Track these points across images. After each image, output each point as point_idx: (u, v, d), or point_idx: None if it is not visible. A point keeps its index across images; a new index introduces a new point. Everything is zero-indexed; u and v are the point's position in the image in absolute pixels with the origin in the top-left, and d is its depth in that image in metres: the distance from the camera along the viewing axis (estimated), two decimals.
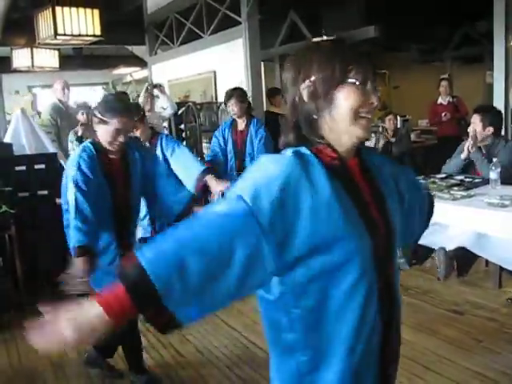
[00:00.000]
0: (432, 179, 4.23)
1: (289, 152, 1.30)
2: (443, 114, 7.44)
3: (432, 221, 4.22)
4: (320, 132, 1.34)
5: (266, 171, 1.25)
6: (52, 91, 6.63)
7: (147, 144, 4.26)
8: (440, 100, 7.68)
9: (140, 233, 3.87)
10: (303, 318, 1.31)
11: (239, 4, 6.41)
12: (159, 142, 4.30)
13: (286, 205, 1.20)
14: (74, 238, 2.85)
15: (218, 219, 1.21)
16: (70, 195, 2.91)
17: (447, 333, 3.69)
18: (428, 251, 4.13)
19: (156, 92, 6.28)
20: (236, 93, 4.73)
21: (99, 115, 2.92)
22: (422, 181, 4.23)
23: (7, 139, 5.29)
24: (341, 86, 1.29)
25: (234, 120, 4.86)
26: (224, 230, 1.19)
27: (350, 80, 1.29)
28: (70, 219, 2.89)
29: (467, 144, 4.32)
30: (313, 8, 8.56)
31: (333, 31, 8.08)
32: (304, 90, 1.33)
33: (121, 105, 2.97)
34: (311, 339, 1.32)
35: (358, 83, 1.29)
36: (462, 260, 4.00)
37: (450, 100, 7.62)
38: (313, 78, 1.31)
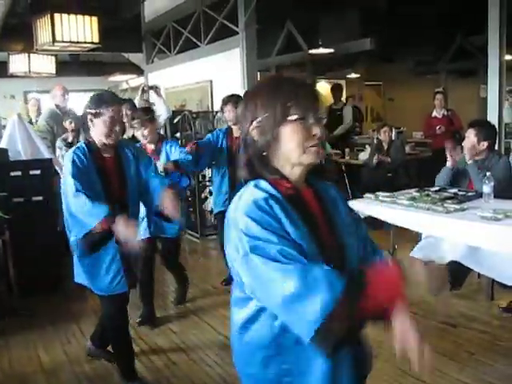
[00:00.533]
0: (426, 192, 4.26)
1: (251, 187, 1.43)
2: (438, 127, 7.48)
3: (425, 234, 4.26)
4: (272, 165, 1.45)
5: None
6: (51, 96, 6.59)
7: (152, 146, 4.35)
8: (435, 113, 7.73)
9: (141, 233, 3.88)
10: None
11: (237, 14, 6.46)
12: (164, 147, 4.40)
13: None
14: (95, 214, 2.85)
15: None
16: (68, 187, 2.93)
17: (439, 345, 3.70)
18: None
19: (152, 96, 6.29)
20: (232, 99, 4.77)
21: (93, 110, 3.02)
22: (415, 193, 4.27)
23: (3, 144, 5.28)
24: (283, 124, 1.39)
25: (229, 127, 4.90)
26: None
27: (290, 118, 1.39)
28: (81, 208, 2.89)
29: (449, 153, 4.40)
30: (309, 19, 8.63)
31: (329, 42, 8.16)
32: (253, 129, 1.44)
33: (112, 96, 3.17)
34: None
35: (298, 120, 1.39)
36: (456, 274, 4.04)
37: (445, 113, 7.67)
38: (259, 119, 1.42)
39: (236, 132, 4.86)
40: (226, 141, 4.83)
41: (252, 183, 1.45)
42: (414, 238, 4.53)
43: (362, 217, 4.52)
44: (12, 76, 8.84)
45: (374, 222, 4.87)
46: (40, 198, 4.79)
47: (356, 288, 1.27)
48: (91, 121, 3.05)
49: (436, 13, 8.31)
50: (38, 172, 4.87)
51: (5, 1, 4.71)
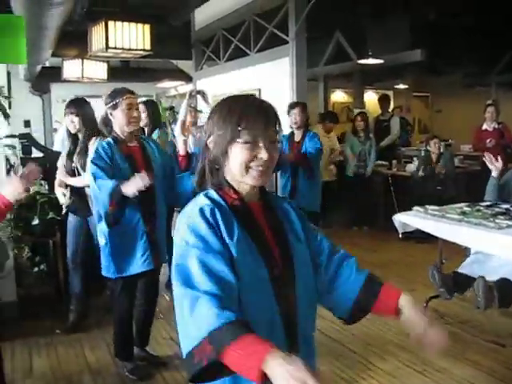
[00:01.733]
0: (477, 207, 4.17)
1: (201, 195, 1.53)
2: (488, 141, 7.32)
3: (475, 249, 4.17)
4: (222, 177, 1.55)
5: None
6: (103, 102, 6.74)
7: None
8: (485, 126, 7.56)
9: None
10: None
11: (287, 23, 6.47)
12: None
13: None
14: (109, 184, 3.14)
15: None
16: (88, 176, 3.28)
17: (487, 364, 3.62)
18: (469, 281, 4.07)
19: (199, 101, 6.37)
20: (301, 104, 5.10)
21: (110, 102, 3.33)
22: (466, 208, 4.19)
23: (56, 148, 5.42)
24: (232, 144, 1.48)
25: (292, 133, 5.10)
26: None
27: (238, 140, 1.47)
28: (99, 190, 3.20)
29: (489, 163, 4.33)
30: (359, 29, 8.59)
31: (378, 53, 8.11)
32: (210, 143, 1.54)
33: (123, 88, 3.46)
34: None
35: (246, 143, 1.47)
36: (505, 291, 3.93)
37: (496, 126, 7.50)
38: (215, 134, 1.52)
39: (297, 136, 5.00)
40: (289, 145, 4.96)
41: (203, 192, 1.55)
42: (462, 251, 4.44)
43: (410, 230, 4.48)
44: (64, 81, 9.09)
45: (422, 236, 4.81)
46: None
47: (223, 340, 1.23)
48: (111, 114, 3.35)
49: (486, 25, 8.17)
50: None
51: (65, 9, 4.84)
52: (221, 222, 1.45)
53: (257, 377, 1.16)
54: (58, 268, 4.87)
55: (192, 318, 1.29)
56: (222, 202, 1.51)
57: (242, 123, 1.46)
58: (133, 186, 3.10)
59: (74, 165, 4.15)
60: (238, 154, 1.48)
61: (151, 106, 5.37)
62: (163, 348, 3.98)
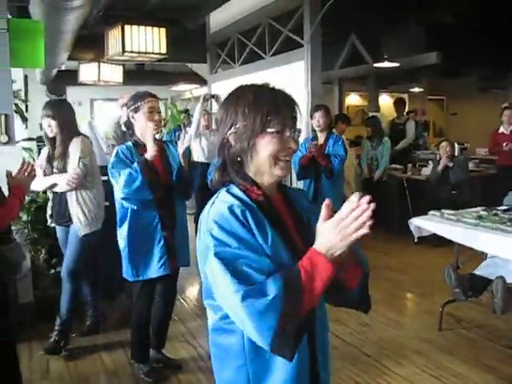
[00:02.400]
0: (494, 211, 4.14)
1: (223, 192, 1.47)
2: (505, 144, 7.25)
3: (491, 254, 4.13)
4: (245, 172, 1.49)
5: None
6: (118, 106, 6.73)
7: None
8: (502, 129, 7.49)
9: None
10: None
11: (302, 26, 6.48)
12: None
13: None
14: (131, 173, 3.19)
15: None
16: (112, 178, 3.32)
17: (504, 370, 3.59)
18: (485, 283, 4.03)
19: (214, 105, 6.40)
20: (323, 107, 5.18)
21: (132, 106, 3.35)
22: (482, 212, 4.16)
23: None
24: (261, 134, 1.42)
25: (315, 136, 5.17)
26: None
27: (269, 130, 1.42)
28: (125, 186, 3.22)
29: None
30: (373, 32, 8.57)
31: (393, 56, 8.08)
32: (230, 134, 1.47)
33: (145, 91, 3.45)
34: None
35: (276, 132, 1.42)
36: None
37: None
38: (238, 125, 1.45)
39: (320, 139, 5.02)
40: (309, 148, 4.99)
41: (224, 189, 1.49)
42: (478, 256, 4.41)
43: (426, 234, 4.46)
44: (80, 84, 9.17)
45: (438, 239, 4.79)
46: (107, 203, 4.90)
47: (294, 290, 1.28)
48: (133, 117, 3.36)
49: (502, 27, 8.11)
50: (105, 178, 4.99)
51: (82, 14, 4.88)
52: (252, 223, 1.39)
53: (330, 269, 1.28)
54: None
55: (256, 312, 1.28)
56: (248, 200, 1.45)
57: (272, 113, 1.42)
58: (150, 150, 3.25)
59: (54, 170, 4.01)
60: (267, 145, 1.43)
61: None
62: (179, 351, 3.99)
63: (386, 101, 12.23)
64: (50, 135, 3.98)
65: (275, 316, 1.26)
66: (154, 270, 3.38)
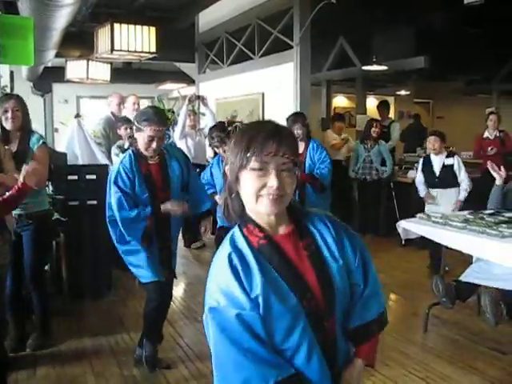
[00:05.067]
0: (480, 215, 4.19)
1: (228, 237, 1.53)
2: (490, 148, 7.33)
3: (476, 257, 4.17)
4: (245, 210, 1.52)
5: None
6: (106, 103, 6.66)
7: None
8: (486, 134, 7.57)
9: None
10: None
11: (291, 28, 6.50)
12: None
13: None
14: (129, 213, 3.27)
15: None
16: (112, 197, 3.30)
17: (489, 371, 3.63)
18: (471, 289, 4.09)
19: (202, 108, 6.42)
20: (301, 118, 5.02)
21: (137, 124, 3.31)
22: (469, 215, 4.20)
23: (63, 148, 5.45)
24: (242, 170, 1.46)
25: None
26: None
27: (247, 167, 1.44)
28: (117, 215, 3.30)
29: (493, 171, 4.35)
30: (362, 35, 8.62)
31: (382, 59, 8.14)
32: (227, 170, 1.53)
33: (155, 116, 3.31)
34: None
35: (255, 169, 1.44)
36: (511, 301, 3.94)
37: (497, 134, 7.51)
38: (229, 162, 1.51)
39: (300, 148, 4.93)
40: None
41: (230, 233, 1.54)
42: (465, 259, 4.45)
43: (413, 237, 4.50)
44: (66, 81, 9.10)
45: (424, 242, 4.82)
46: (94, 202, 4.88)
47: None
48: (136, 132, 3.35)
49: (489, 33, 8.21)
50: (93, 177, 4.98)
51: (72, 10, 4.85)
52: (246, 270, 1.44)
53: None
54: (61, 268, 4.88)
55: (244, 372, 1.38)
56: (246, 248, 1.48)
57: (250, 149, 1.43)
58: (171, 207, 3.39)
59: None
60: (247, 182, 1.45)
61: None
62: (167, 352, 3.97)
63: (373, 103, 12.29)
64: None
65: None
66: (151, 275, 3.45)
